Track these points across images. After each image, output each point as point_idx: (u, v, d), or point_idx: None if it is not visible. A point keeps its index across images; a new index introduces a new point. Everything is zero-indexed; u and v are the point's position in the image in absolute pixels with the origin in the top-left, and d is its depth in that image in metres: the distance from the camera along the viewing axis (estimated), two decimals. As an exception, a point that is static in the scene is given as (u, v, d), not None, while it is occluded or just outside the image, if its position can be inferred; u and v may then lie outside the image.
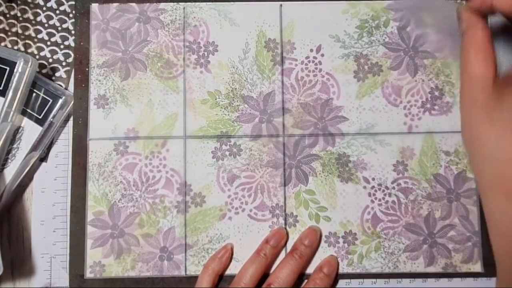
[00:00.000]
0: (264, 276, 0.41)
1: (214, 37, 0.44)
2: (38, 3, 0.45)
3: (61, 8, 0.45)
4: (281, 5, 0.44)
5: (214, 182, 0.43)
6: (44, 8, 0.45)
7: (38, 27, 0.45)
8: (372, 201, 0.43)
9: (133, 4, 0.44)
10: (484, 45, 0.34)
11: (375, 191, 0.43)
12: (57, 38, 0.45)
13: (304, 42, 0.44)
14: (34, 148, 0.43)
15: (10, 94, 0.41)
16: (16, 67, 0.41)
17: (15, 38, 0.44)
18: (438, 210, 0.42)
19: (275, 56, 0.44)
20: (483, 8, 0.35)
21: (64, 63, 0.44)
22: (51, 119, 0.43)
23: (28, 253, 0.43)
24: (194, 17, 0.44)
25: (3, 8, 0.45)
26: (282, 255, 0.42)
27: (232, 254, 0.42)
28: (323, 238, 0.42)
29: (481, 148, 0.33)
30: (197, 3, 0.44)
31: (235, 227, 0.42)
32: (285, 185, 0.43)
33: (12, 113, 0.42)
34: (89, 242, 0.42)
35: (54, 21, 0.45)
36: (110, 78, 0.44)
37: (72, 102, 0.43)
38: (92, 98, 0.44)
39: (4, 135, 0.42)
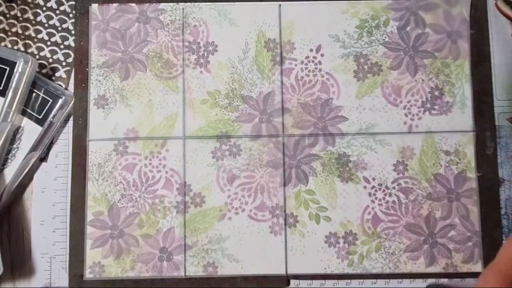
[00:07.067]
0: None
1: (213, 37, 0.44)
2: (38, 3, 0.45)
3: (61, 8, 0.45)
4: (280, 5, 0.44)
5: (214, 182, 0.43)
6: (44, 8, 0.45)
7: (38, 27, 0.45)
8: (373, 201, 0.42)
9: (133, 5, 0.44)
10: None
11: (376, 191, 0.43)
12: (57, 38, 0.45)
13: (303, 42, 0.44)
14: (34, 148, 0.43)
15: (10, 94, 0.42)
16: (16, 67, 0.41)
17: (15, 38, 0.45)
18: (439, 210, 0.42)
19: (275, 56, 0.44)
20: None
21: (64, 63, 0.45)
22: (51, 119, 0.43)
23: (28, 253, 0.43)
24: (194, 17, 0.44)
25: (3, 8, 0.45)
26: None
27: None
28: (323, 239, 0.42)
29: None
30: (196, 3, 0.44)
31: (235, 228, 0.42)
32: (285, 185, 0.43)
33: (12, 113, 0.42)
34: (88, 243, 0.42)
35: (54, 21, 0.45)
36: (110, 78, 0.44)
37: (72, 102, 0.43)
38: (92, 98, 0.44)
39: (4, 135, 0.42)
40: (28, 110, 0.43)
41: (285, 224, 0.42)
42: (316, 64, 0.44)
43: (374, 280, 0.42)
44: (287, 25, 0.44)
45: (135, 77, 0.44)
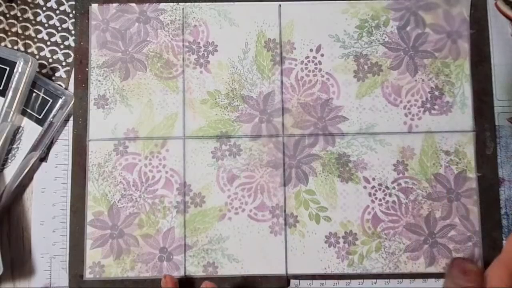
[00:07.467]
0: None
1: (213, 37, 0.44)
2: (38, 3, 0.45)
3: (61, 8, 0.45)
4: (280, 5, 0.44)
5: (214, 182, 0.43)
6: (44, 8, 0.45)
7: (38, 27, 0.45)
8: (373, 201, 0.42)
9: (133, 4, 0.44)
10: None
11: (376, 191, 0.43)
12: (57, 38, 0.45)
13: (303, 42, 0.44)
14: (34, 148, 0.43)
15: (10, 94, 0.42)
16: (16, 67, 0.41)
17: (15, 38, 0.45)
18: (439, 210, 0.42)
19: (275, 56, 0.44)
20: None
21: (64, 63, 0.45)
22: (51, 119, 0.43)
23: (28, 253, 0.43)
24: (194, 17, 0.44)
25: (3, 8, 0.45)
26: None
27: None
28: (323, 239, 0.42)
29: None
30: (196, 3, 0.44)
31: (235, 228, 0.42)
32: (285, 185, 0.43)
33: (12, 113, 0.42)
34: (88, 243, 0.42)
35: (54, 21, 0.45)
36: (110, 78, 0.44)
37: (72, 102, 0.43)
38: (92, 98, 0.44)
39: (4, 135, 0.42)
40: (28, 110, 0.43)
41: (285, 224, 0.42)
42: (316, 64, 0.44)
43: (374, 280, 0.42)
44: (287, 25, 0.44)
45: (135, 77, 0.44)
